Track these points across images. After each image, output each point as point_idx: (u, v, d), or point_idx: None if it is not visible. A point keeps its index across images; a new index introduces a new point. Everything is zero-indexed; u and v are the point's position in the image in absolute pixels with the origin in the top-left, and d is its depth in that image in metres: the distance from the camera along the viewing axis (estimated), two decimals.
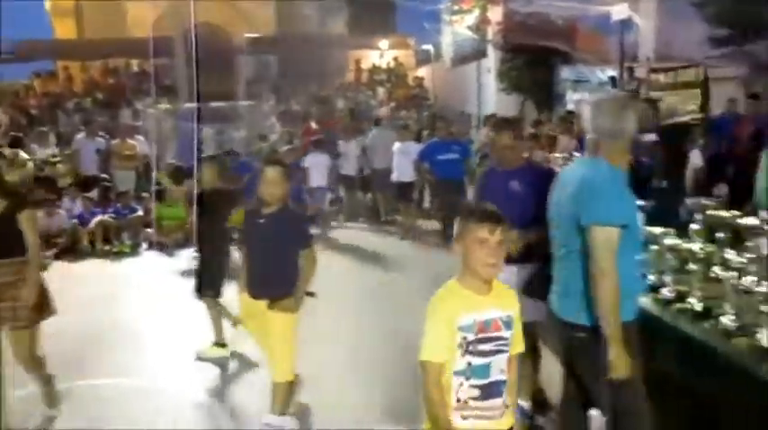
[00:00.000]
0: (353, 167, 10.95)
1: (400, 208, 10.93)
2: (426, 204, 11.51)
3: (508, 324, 2.40)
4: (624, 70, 15.03)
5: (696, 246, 3.21)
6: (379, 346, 5.43)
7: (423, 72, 24.73)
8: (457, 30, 21.23)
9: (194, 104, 18.72)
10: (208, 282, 5.46)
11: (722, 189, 8.62)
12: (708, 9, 11.39)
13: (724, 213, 3.65)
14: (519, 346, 2.49)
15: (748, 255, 3.00)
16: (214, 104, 18.08)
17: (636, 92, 14.25)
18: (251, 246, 3.91)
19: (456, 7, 19.92)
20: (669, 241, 3.42)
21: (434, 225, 9.90)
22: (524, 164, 4.03)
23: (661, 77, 13.48)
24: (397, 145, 10.85)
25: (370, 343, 5.55)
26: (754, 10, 9.95)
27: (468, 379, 2.33)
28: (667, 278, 3.43)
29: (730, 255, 2.97)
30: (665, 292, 3.40)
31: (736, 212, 3.66)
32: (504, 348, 2.39)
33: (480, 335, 2.32)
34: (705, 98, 12.27)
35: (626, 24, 15.48)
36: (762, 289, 2.75)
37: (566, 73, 18.28)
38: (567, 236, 2.88)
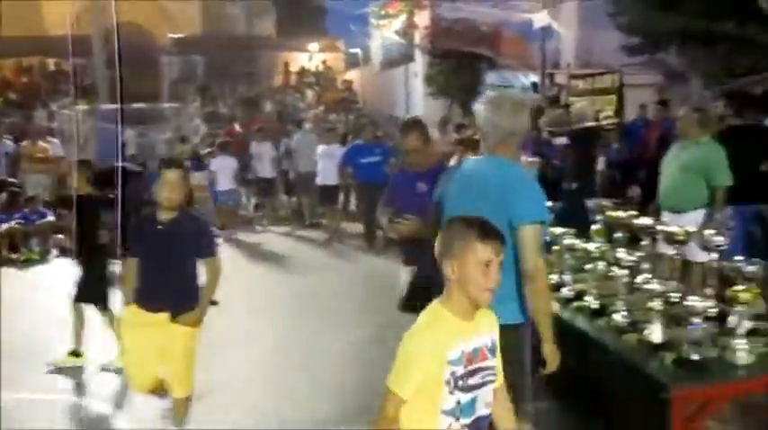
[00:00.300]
0: (269, 169, 10.68)
1: (325, 211, 10.87)
2: (352, 207, 11.48)
3: (493, 350, 2.16)
4: (545, 76, 15.50)
5: (592, 246, 3.29)
6: (301, 350, 5.34)
7: (352, 75, 24.76)
8: (385, 34, 21.37)
9: (114, 106, 18.20)
10: (84, 292, 5.13)
11: (635, 191, 8.98)
12: (621, 18, 11.83)
13: (621, 214, 3.77)
14: (501, 376, 2.23)
15: (638, 254, 3.10)
16: (135, 106, 17.58)
17: (556, 97, 14.71)
18: (147, 254, 3.55)
19: (383, 11, 20.04)
20: (567, 241, 3.50)
21: (359, 228, 9.88)
22: (435, 165, 4.03)
23: (580, 83, 13.89)
24: (321, 148, 10.77)
25: (291, 347, 5.45)
26: (664, 20, 10.38)
27: (457, 419, 2.05)
28: (567, 277, 3.51)
29: (622, 253, 3.05)
30: (565, 291, 3.48)
31: (632, 213, 3.78)
32: (491, 379, 2.13)
33: (469, 368, 2.05)
34: (620, 104, 12.74)
35: (547, 32, 15.98)
36: (650, 286, 2.83)
37: (491, 78, 18.68)
38: None
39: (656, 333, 2.77)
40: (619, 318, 3.02)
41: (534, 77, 16.40)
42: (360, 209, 10.23)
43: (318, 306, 6.44)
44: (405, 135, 3.90)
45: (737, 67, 9.80)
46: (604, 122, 12.16)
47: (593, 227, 4.04)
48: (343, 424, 3.98)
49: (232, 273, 7.84)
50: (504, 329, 2.51)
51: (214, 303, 3.73)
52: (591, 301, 3.26)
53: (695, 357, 2.58)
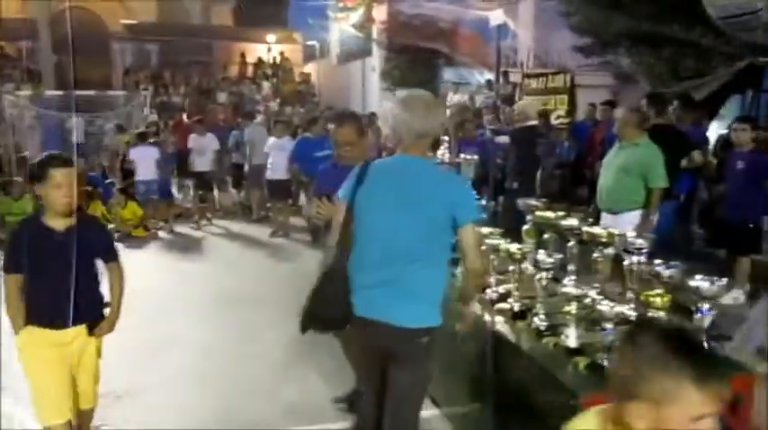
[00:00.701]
0: (208, 163, 10.27)
1: (273, 205, 10.67)
2: (301, 202, 11.30)
3: None
4: (500, 74, 15.55)
5: (514, 247, 3.23)
6: (233, 349, 5.18)
7: (309, 68, 24.52)
8: (343, 27, 21.20)
9: (59, 92, 17.58)
10: None
11: (584, 191, 9.05)
12: (573, 19, 11.89)
13: (549, 214, 3.73)
14: None
15: (557, 256, 3.04)
16: (80, 92, 17.06)
17: (511, 95, 14.78)
18: (43, 268, 3.06)
19: (341, 4, 19.87)
20: (492, 241, 3.43)
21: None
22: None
23: (533, 83, 13.97)
24: (271, 140, 10.55)
25: (222, 346, 5.28)
26: (613, 21, 10.46)
27: None
28: (492, 279, 3.45)
29: (542, 255, 3.00)
30: (490, 292, 3.42)
31: (560, 213, 3.74)
32: None
33: None
34: (572, 104, 12.85)
35: (503, 30, 16.02)
36: (566, 289, 2.78)
37: (448, 74, 18.69)
38: (414, 238, 2.66)
39: (571, 338, 2.72)
40: (538, 321, 2.96)
41: (490, 75, 16.44)
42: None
43: (253, 303, 6.26)
44: (338, 127, 3.79)
45: (683, 70, 9.92)
46: (556, 122, 12.25)
47: (524, 227, 4.00)
48: (272, 424, 3.88)
49: (163, 270, 7.72)
50: (403, 332, 2.61)
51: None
52: (513, 304, 3.20)
53: (607, 363, 2.53)
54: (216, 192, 11.45)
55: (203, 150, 9.95)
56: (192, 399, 4.27)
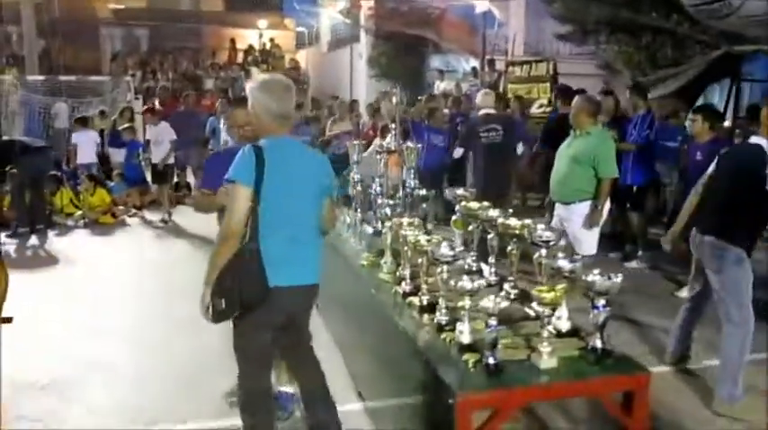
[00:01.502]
0: (162, 153, 9.49)
1: None
2: None
3: None
4: (485, 62, 15.36)
5: (423, 239, 3.12)
6: (150, 342, 5.06)
7: (299, 55, 24.31)
8: (332, 13, 21.00)
9: (43, 77, 17.41)
10: None
11: None
12: (554, 6, 11.71)
13: (473, 205, 3.62)
14: None
15: (459, 249, 2.93)
16: (64, 78, 16.89)
17: (495, 83, 14.59)
18: None
19: None
20: (404, 232, 3.31)
21: None
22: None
23: (517, 70, 13.77)
24: None
25: (139, 338, 5.14)
26: (592, 9, 10.29)
27: None
28: (406, 271, 3.34)
29: (445, 248, 2.88)
30: (404, 285, 3.31)
31: (484, 204, 3.63)
32: None
33: None
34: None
35: (489, 17, 15.83)
36: (461, 283, 2.66)
37: (435, 62, 18.50)
38: (310, 210, 2.98)
39: (465, 333, 2.62)
40: (439, 315, 2.86)
41: (476, 63, 16.26)
42: None
43: (179, 295, 6.06)
44: (235, 111, 3.69)
45: (661, 58, 9.77)
46: (538, 111, 12.11)
47: (453, 218, 3.89)
48: (191, 416, 3.80)
49: (122, 259, 7.56)
50: (314, 289, 3.04)
51: (7, 320, 3.15)
52: (422, 297, 3.09)
53: (491, 360, 2.43)
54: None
55: (158, 141, 9.58)
56: (122, 393, 4.18)
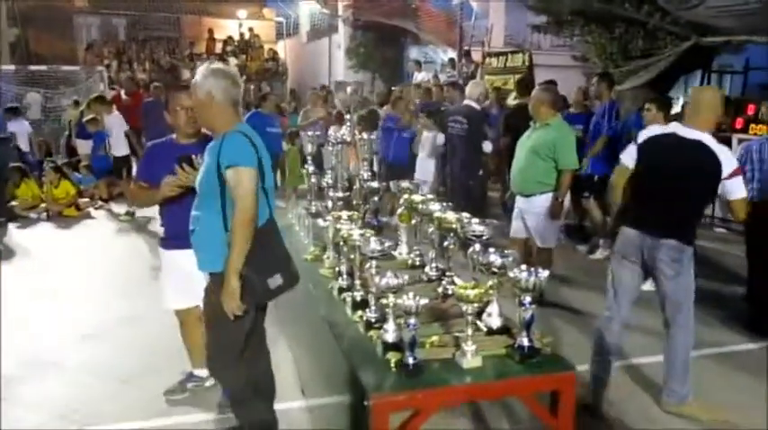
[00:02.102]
0: (123, 147, 9.29)
1: None
2: None
3: None
4: (462, 53, 15.26)
5: (357, 233, 3.02)
6: (89, 340, 4.94)
7: (278, 45, 24.07)
8: (311, 4, 20.79)
9: (13, 67, 17.08)
10: None
11: None
12: None
13: (417, 197, 3.52)
14: None
15: (388, 244, 2.84)
16: (35, 68, 16.60)
17: (473, 74, 14.47)
18: None
19: None
20: (339, 226, 3.21)
21: None
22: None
23: (494, 61, 13.67)
24: None
25: (79, 336, 5.02)
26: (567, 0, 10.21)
27: None
28: (344, 267, 3.24)
29: (373, 244, 2.79)
30: (340, 281, 3.22)
31: (428, 196, 3.54)
32: None
33: None
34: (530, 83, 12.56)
35: (466, 7, 15.70)
36: (384, 280, 2.56)
37: (413, 53, 18.39)
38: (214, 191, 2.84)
39: (389, 332, 2.53)
40: (369, 313, 2.77)
41: (454, 54, 16.14)
42: None
43: (130, 290, 5.94)
44: (180, 94, 3.55)
45: (633, 50, 9.70)
46: (513, 102, 12.01)
47: (398, 211, 3.80)
48: (131, 414, 3.69)
49: (81, 252, 7.41)
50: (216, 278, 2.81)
51: None
52: (354, 294, 3.00)
53: (410, 360, 2.34)
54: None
55: (110, 132, 9.33)
56: (61, 391, 4.06)
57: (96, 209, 9.77)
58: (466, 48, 15.27)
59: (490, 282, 2.65)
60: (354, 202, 4.59)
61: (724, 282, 6.17)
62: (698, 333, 3.73)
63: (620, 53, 9.93)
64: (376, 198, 4.44)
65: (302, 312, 3.66)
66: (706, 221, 8.42)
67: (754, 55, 9.59)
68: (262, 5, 25.52)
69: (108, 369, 4.33)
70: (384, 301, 2.52)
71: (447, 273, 3.16)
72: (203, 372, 3.86)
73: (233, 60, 21.61)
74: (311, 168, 4.92)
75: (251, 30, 23.51)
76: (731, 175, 3.38)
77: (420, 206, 3.39)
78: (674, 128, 3.55)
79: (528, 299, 2.44)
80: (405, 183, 3.76)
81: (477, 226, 2.84)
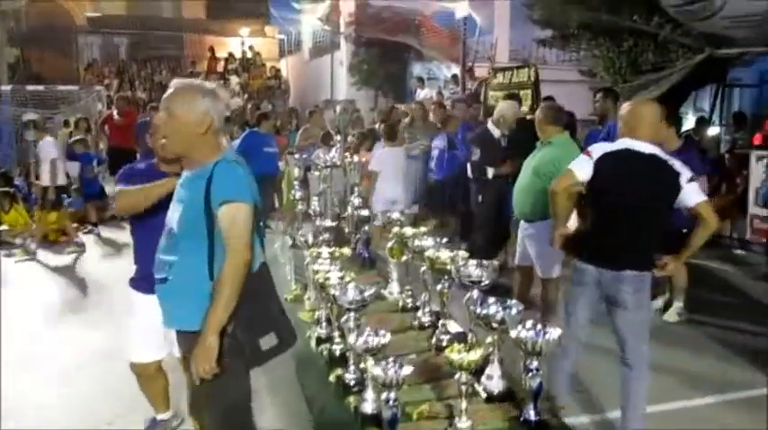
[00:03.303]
0: (48, 177, 8.60)
1: None
2: None
3: None
4: (466, 69, 14.89)
5: (335, 276, 2.60)
6: (49, 361, 4.60)
7: (281, 63, 23.84)
8: (313, 21, 20.55)
9: (7, 88, 16.86)
10: None
11: None
12: (534, 10, 11.26)
13: (407, 231, 3.11)
14: None
15: (369, 292, 2.42)
16: (31, 88, 16.36)
17: (476, 91, 14.09)
18: None
19: None
20: (317, 268, 2.80)
21: None
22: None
23: (499, 77, 13.30)
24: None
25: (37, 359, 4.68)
26: (572, 13, 9.83)
27: None
28: (323, 312, 2.82)
29: (351, 293, 2.36)
30: (319, 329, 2.80)
31: (422, 229, 3.12)
32: None
33: None
34: (536, 99, 12.15)
35: (469, 22, 15.35)
36: (363, 338, 2.14)
37: (417, 69, 18.05)
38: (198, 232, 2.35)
39: (368, 402, 2.10)
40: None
41: (457, 70, 15.78)
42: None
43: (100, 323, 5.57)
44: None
45: (643, 63, 9.31)
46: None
47: (388, 245, 3.38)
48: None
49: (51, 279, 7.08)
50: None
51: None
52: (333, 347, 2.57)
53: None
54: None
55: (42, 159, 8.66)
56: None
57: (85, 233, 9.38)
58: (469, 64, 14.90)
59: (489, 339, 2.22)
60: (347, 231, 4.21)
61: (749, 312, 5.71)
62: (723, 372, 3.31)
63: (629, 67, 9.54)
64: (366, 227, 4.03)
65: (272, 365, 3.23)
66: (725, 242, 7.96)
67: None
68: (264, 23, 25.31)
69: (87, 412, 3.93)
70: (363, 365, 2.10)
71: (442, 321, 2.73)
72: (166, 415, 3.48)
73: (234, 79, 21.38)
74: (298, 194, 4.54)
75: (251, 47, 23.27)
76: (690, 180, 3.13)
77: (412, 241, 2.97)
78: (626, 143, 3.23)
79: (535, 364, 2.01)
80: (395, 215, 3.34)
81: (473, 268, 2.42)
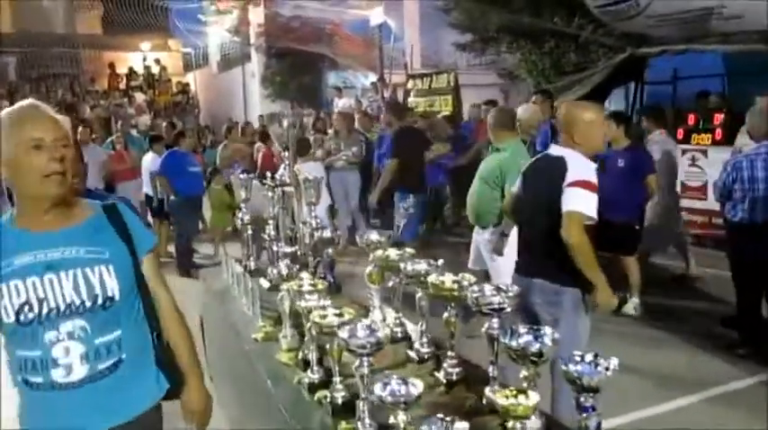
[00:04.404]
0: None
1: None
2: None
3: None
4: (383, 77, 14.77)
5: (332, 313, 2.29)
6: None
7: (188, 77, 22.93)
8: (221, 32, 19.87)
9: None
10: None
11: None
12: (452, 14, 11.25)
13: (392, 254, 2.81)
14: None
15: (382, 333, 2.13)
16: None
17: (392, 97, 13.93)
18: None
19: (213, 8, 18.50)
20: (305, 304, 2.48)
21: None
22: None
23: (419, 83, 13.22)
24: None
25: None
26: (492, 15, 9.85)
27: None
28: (312, 354, 2.49)
29: (363, 333, 2.06)
30: (310, 374, 2.46)
31: (408, 251, 2.84)
32: None
33: None
34: (456, 105, 12.14)
35: (384, 29, 15.27)
36: (395, 388, 1.85)
37: (332, 78, 17.77)
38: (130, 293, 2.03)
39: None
40: (362, 425, 2.02)
41: (374, 78, 15.63)
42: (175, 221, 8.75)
43: None
44: None
45: (566, 64, 9.43)
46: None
47: (367, 270, 3.07)
48: None
49: None
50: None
51: None
52: (334, 395, 2.23)
53: None
54: None
55: None
56: None
57: None
58: (386, 71, 14.78)
59: (524, 373, 1.96)
60: (299, 253, 3.85)
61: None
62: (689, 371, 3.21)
63: (552, 68, 9.64)
64: (330, 250, 3.70)
65: (254, 415, 2.84)
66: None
67: (682, 64, 9.46)
68: (167, 37, 24.27)
69: None
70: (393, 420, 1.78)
71: (448, 354, 2.44)
72: None
73: (140, 95, 20.35)
74: (246, 217, 4.13)
75: (158, 61, 22.24)
76: (572, 184, 2.92)
77: (400, 265, 2.67)
78: (549, 148, 3.26)
79: (591, 402, 1.76)
80: (374, 236, 3.03)
81: (492, 295, 2.15)
